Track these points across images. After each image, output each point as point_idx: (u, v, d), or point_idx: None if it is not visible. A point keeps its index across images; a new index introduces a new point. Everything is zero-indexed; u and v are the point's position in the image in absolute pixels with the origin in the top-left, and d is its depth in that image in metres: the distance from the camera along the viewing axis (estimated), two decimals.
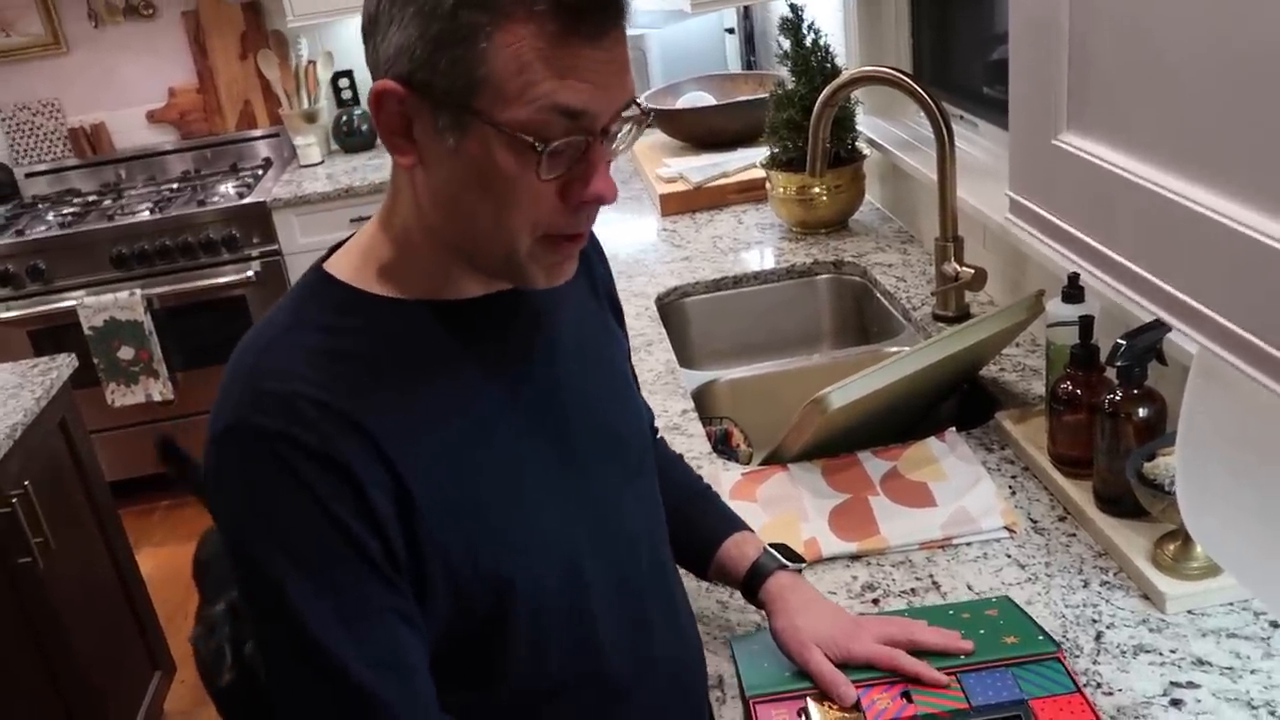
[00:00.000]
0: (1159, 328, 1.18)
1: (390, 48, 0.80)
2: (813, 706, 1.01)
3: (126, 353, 3.35)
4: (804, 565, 1.18)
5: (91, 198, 3.66)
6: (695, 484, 1.25)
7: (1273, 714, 0.96)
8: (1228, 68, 0.57)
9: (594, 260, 1.09)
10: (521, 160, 0.80)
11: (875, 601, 1.19)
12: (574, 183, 0.83)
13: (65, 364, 2.31)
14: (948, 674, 1.02)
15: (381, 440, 0.84)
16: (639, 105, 0.86)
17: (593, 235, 1.11)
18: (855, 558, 1.26)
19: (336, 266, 0.91)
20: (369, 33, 0.83)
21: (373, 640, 0.83)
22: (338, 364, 0.86)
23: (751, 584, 1.12)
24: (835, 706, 1.01)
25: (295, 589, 0.82)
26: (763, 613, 1.11)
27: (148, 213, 3.38)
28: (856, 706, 1.00)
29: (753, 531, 1.18)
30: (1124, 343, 1.17)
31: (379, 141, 3.80)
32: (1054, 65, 0.77)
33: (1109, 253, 0.74)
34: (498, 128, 0.79)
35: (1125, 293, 0.72)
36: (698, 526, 1.17)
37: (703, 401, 1.76)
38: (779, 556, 1.13)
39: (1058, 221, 0.81)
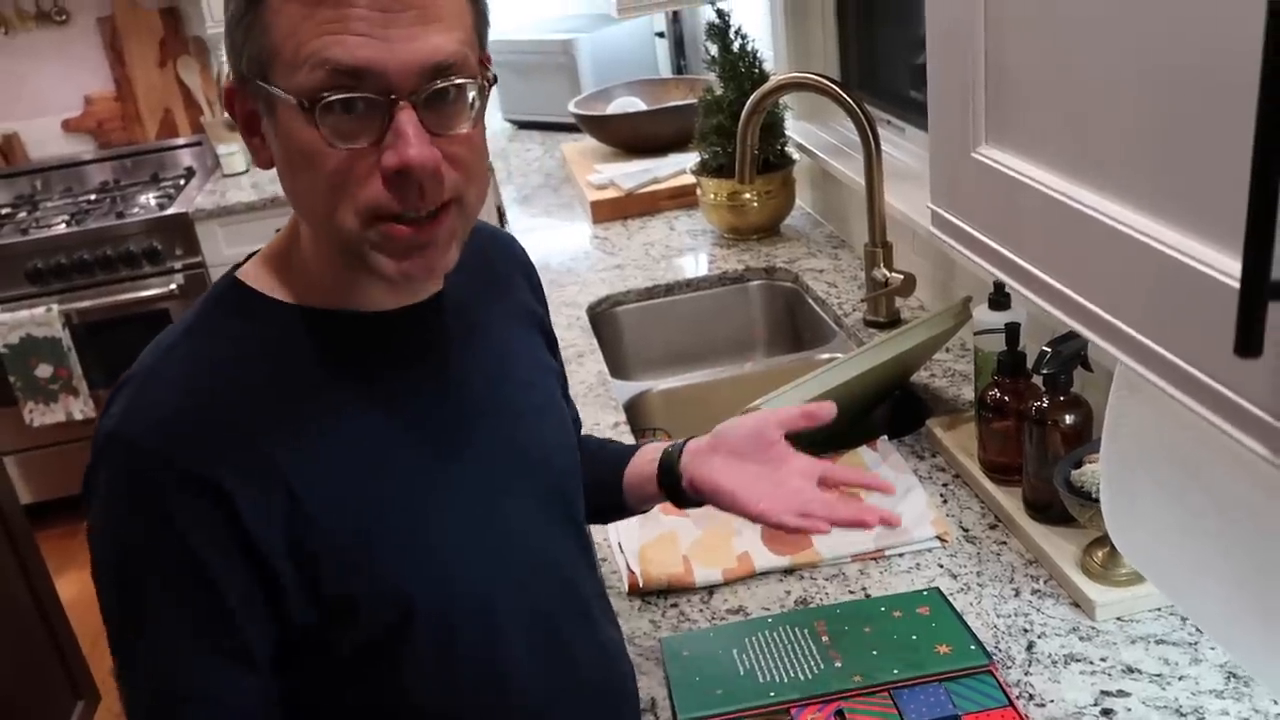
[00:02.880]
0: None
1: (226, 48, 0.81)
2: None
3: (44, 370, 3.24)
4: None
5: (4, 210, 3.53)
6: (596, 442, 1.22)
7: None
8: (1139, 82, 0.57)
9: (518, 283, 1.06)
10: (309, 126, 0.76)
11: None
12: (384, 152, 0.77)
13: None
14: (880, 690, 1.01)
15: (276, 455, 0.82)
16: (474, 65, 0.80)
17: (526, 259, 1.09)
18: (788, 571, 1.25)
19: (248, 273, 0.89)
20: None
21: (192, 676, 0.83)
22: (235, 373, 0.84)
23: (669, 475, 1.07)
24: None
25: (133, 613, 0.83)
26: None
27: (64, 225, 3.28)
28: None
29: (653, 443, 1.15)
30: (1049, 350, 1.17)
31: None
32: (971, 78, 0.76)
33: (1027, 266, 0.73)
34: (285, 97, 0.76)
35: (1044, 307, 0.72)
36: (599, 468, 1.13)
37: (635, 412, 1.74)
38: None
39: (977, 234, 0.80)
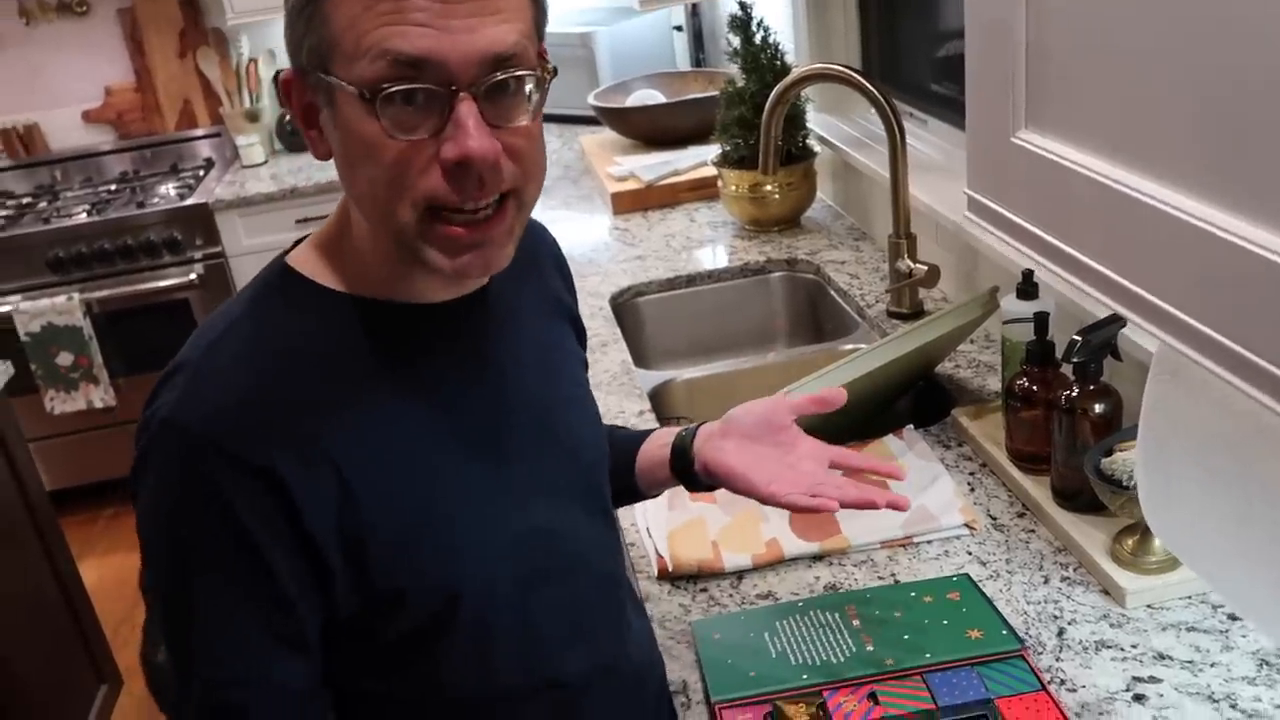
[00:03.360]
0: (1114, 323, 1.18)
1: (286, 39, 0.81)
2: (780, 708, 1.00)
3: (65, 359, 3.26)
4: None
5: (26, 200, 3.55)
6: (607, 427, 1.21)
7: (1234, 706, 0.97)
8: (1188, 65, 0.57)
9: (550, 273, 1.06)
10: (370, 117, 0.77)
11: None
12: (443, 144, 0.77)
13: (0, 372, 2.24)
14: (913, 674, 1.02)
15: (327, 443, 0.83)
16: (533, 57, 0.80)
17: (558, 251, 1.10)
18: (817, 558, 1.25)
19: (298, 259, 0.90)
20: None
21: (246, 660, 0.84)
22: (286, 360, 0.84)
23: (682, 459, 1.08)
24: (803, 706, 1.00)
25: (185, 598, 0.83)
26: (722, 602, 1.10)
27: (85, 215, 3.30)
28: (823, 709, 0.99)
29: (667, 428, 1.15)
30: (1080, 339, 1.18)
31: None
32: (1012, 63, 0.77)
33: (1069, 249, 0.74)
34: (346, 88, 0.77)
35: (1086, 290, 0.72)
36: (611, 452, 1.12)
37: (659, 401, 1.75)
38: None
39: (1016, 219, 0.81)
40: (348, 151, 0.81)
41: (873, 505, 0.98)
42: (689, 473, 1.08)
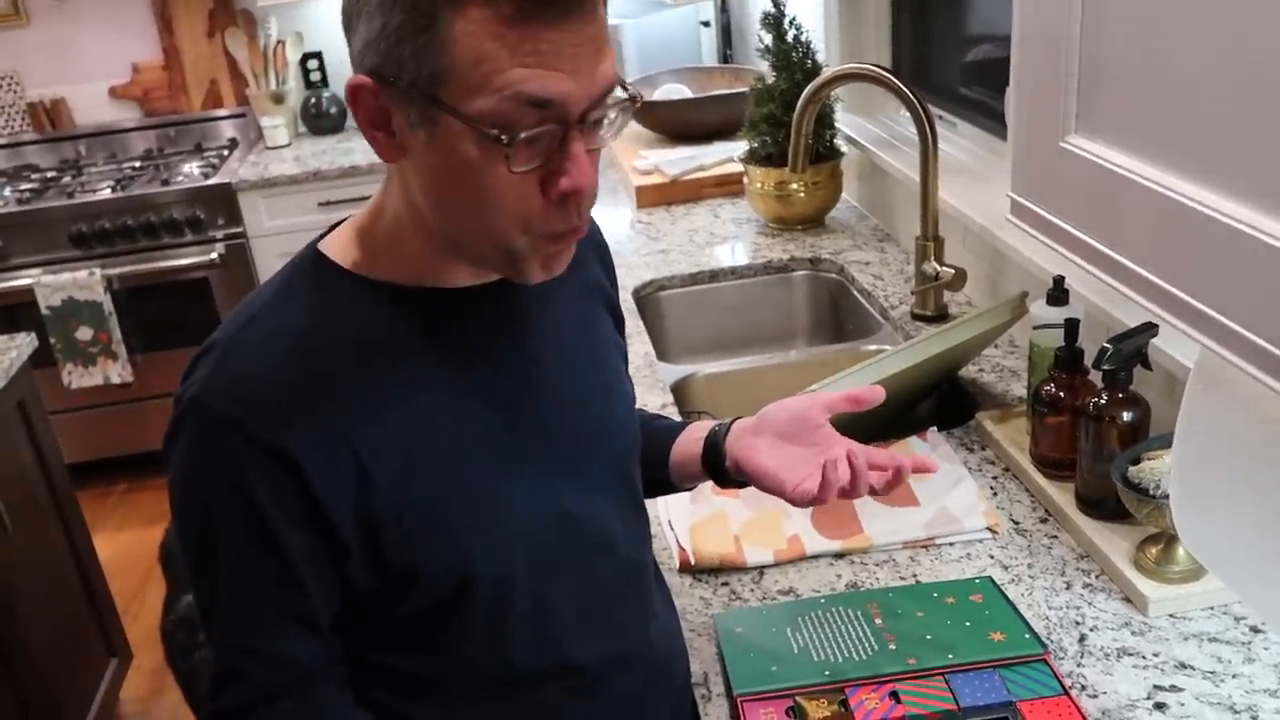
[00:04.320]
0: (1146, 331, 1.18)
1: (359, 41, 0.78)
2: (800, 703, 1.01)
3: (85, 333, 3.27)
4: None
5: (50, 174, 3.57)
6: (645, 416, 1.22)
7: (1255, 718, 0.97)
8: (1243, 73, 0.57)
9: (591, 260, 1.06)
10: (491, 154, 0.77)
11: None
12: (552, 175, 0.80)
13: (25, 344, 2.25)
14: (935, 674, 1.02)
15: (347, 427, 0.85)
16: (626, 90, 0.82)
17: (600, 239, 1.10)
18: (839, 556, 1.26)
19: (330, 245, 0.91)
20: (345, 27, 0.81)
21: (256, 633, 0.87)
22: (312, 345, 0.86)
23: (713, 454, 1.08)
24: (824, 702, 1.00)
25: (208, 565, 0.87)
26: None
27: (109, 191, 3.31)
28: (845, 706, 1.00)
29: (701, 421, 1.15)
30: (1111, 346, 1.18)
31: (348, 125, 3.78)
32: (1063, 68, 0.77)
33: (1114, 254, 0.74)
34: (464, 121, 0.76)
35: (1130, 295, 0.72)
36: (647, 443, 1.12)
37: (681, 395, 1.76)
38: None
39: (1061, 223, 0.81)
40: (447, 173, 0.80)
41: (899, 479, 1.00)
42: (720, 468, 1.08)
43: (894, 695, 1.00)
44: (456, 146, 0.77)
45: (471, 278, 0.91)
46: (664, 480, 1.15)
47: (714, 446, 1.08)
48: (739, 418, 1.10)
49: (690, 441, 1.12)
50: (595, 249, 1.08)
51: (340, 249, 0.90)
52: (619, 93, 0.81)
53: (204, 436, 0.84)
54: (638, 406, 1.59)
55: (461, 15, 0.73)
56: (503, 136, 0.75)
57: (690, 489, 1.19)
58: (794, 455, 1.03)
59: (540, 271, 0.87)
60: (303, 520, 0.84)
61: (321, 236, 0.93)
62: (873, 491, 1.00)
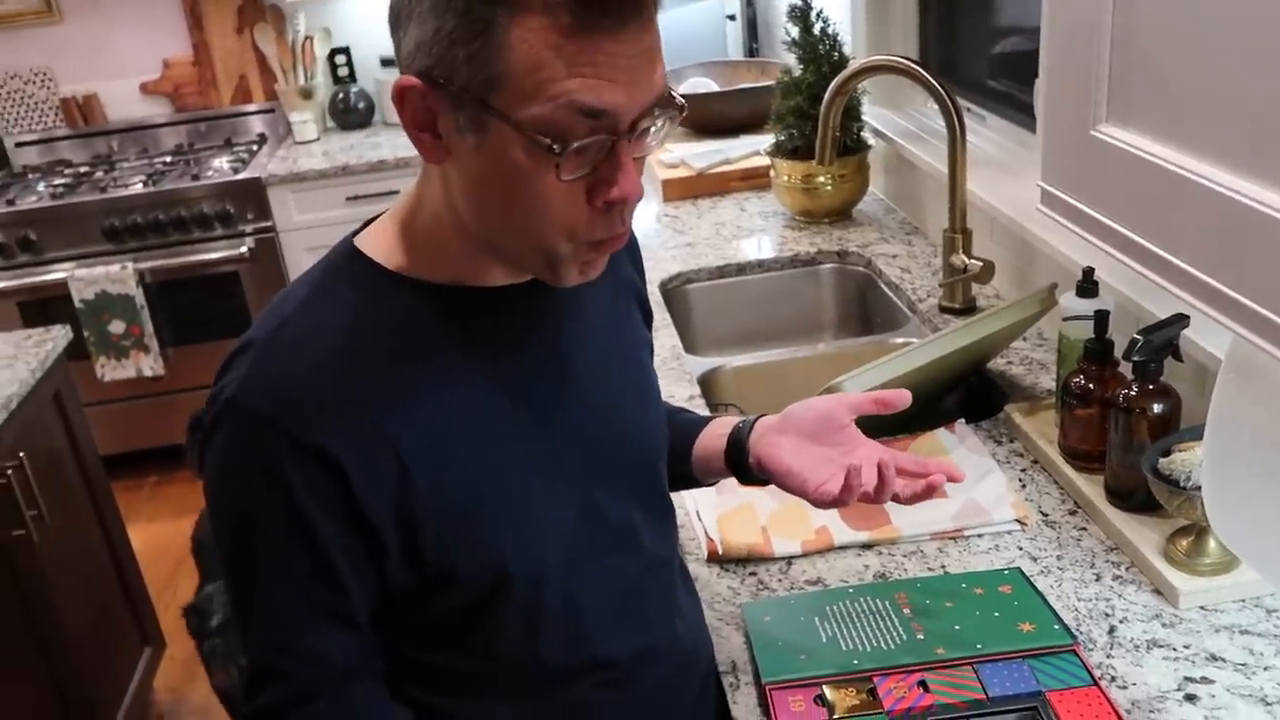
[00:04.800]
0: (1177, 323, 1.18)
1: (410, 42, 0.78)
2: (828, 692, 1.01)
3: (117, 326, 3.31)
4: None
5: (83, 169, 3.61)
6: (669, 409, 1.22)
7: None
8: None
9: (623, 259, 1.06)
10: (541, 162, 0.77)
11: None
12: (599, 184, 0.80)
13: (61, 336, 2.28)
14: (964, 664, 1.02)
15: (386, 425, 0.85)
16: (674, 97, 0.82)
17: (631, 234, 1.10)
18: (867, 546, 1.26)
19: (366, 242, 0.91)
20: (393, 25, 0.81)
21: (290, 630, 0.88)
22: (349, 343, 0.86)
23: (737, 451, 1.08)
24: (853, 691, 1.01)
25: (245, 563, 0.87)
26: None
27: (140, 185, 3.35)
28: (873, 695, 1.00)
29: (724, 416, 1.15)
30: (1141, 338, 1.17)
31: (375, 120, 3.80)
32: (1095, 56, 0.77)
33: (1146, 243, 0.74)
34: (516, 127, 0.76)
35: (1163, 284, 0.72)
36: (671, 436, 1.12)
37: (708, 387, 1.76)
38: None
39: (1093, 212, 0.81)
40: (495, 178, 0.80)
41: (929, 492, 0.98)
42: (743, 465, 1.08)
43: (922, 684, 1.00)
44: (506, 152, 0.77)
45: (506, 277, 0.91)
46: (686, 474, 1.15)
47: (737, 443, 1.08)
48: (763, 415, 1.10)
49: (714, 437, 1.12)
50: (626, 245, 1.09)
51: (377, 246, 0.90)
52: (666, 100, 0.81)
53: (243, 436, 0.84)
54: (666, 399, 1.60)
55: (518, 23, 0.73)
56: (554, 145, 0.75)
57: (712, 484, 1.19)
58: (817, 455, 1.02)
59: (577, 276, 0.87)
60: (342, 519, 0.85)
61: (356, 232, 0.93)
62: (897, 499, 0.99)
